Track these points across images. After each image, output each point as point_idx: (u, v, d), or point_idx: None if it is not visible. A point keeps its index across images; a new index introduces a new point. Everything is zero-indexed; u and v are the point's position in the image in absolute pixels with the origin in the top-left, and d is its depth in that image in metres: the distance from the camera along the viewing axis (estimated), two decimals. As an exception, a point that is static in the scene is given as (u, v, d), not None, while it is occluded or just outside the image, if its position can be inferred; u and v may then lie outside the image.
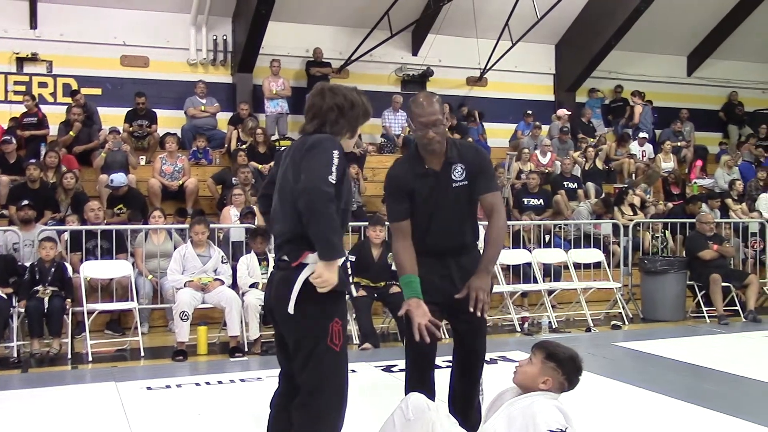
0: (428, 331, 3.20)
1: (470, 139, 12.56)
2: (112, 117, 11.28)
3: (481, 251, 3.54)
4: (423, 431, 2.81)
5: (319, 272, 2.73)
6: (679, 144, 14.07)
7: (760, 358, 6.65)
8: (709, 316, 8.48)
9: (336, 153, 2.77)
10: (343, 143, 2.95)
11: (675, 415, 4.70)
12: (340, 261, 2.78)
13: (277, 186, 2.98)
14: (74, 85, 11.68)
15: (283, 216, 2.88)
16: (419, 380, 3.47)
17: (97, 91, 11.97)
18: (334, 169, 2.73)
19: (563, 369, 3.01)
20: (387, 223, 3.54)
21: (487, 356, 3.71)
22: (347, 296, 3.03)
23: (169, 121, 11.93)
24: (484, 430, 3.00)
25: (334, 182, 2.71)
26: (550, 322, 7.87)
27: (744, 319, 8.47)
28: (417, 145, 3.53)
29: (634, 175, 12.29)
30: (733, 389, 5.41)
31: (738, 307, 8.66)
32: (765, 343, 7.30)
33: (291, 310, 2.80)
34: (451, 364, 3.67)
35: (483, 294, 3.34)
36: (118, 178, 9.07)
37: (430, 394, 3.39)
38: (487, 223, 3.56)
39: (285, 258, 2.88)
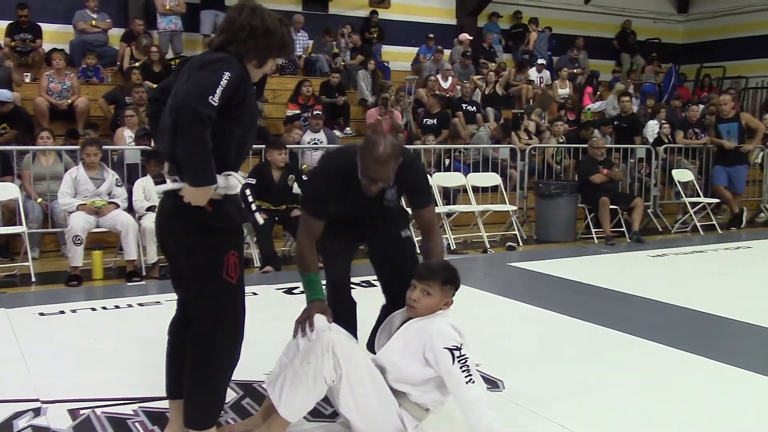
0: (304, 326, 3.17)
1: (372, 62, 12.50)
2: (-8, 30, 10.56)
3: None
4: (323, 350, 2.86)
5: (187, 196, 2.61)
6: (575, 71, 14.42)
7: (642, 276, 7.07)
8: (597, 237, 8.90)
9: (227, 75, 2.56)
10: (249, 71, 2.76)
11: (563, 329, 4.96)
12: (212, 187, 2.61)
13: (168, 102, 2.71)
14: (-53, -5, 10.82)
15: (169, 134, 2.63)
16: (339, 302, 3.56)
17: (-26, 2, 11.13)
18: (219, 90, 2.52)
19: (457, 285, 3.09)
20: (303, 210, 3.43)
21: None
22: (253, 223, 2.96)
23: (55, 36, 11.28)
24: (379, 354, 3.06)
25: (215, 104, 2.51)
26: (448, 244, 8.07)
27: (629, 240, 8.94)
28: (358, 163, 3.25)
29: (531, 101, 12.56)
30: (617, 305, 5.75)
31: (624, 229, 9.12)
32: (647, 262, 7.74)
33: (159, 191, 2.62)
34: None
35: None
36: (4, 94, 8.54)
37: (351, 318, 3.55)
38: (422, 238, 3.58)
39: (172, 180, 2.76)
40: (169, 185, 2.74)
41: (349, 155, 3.35)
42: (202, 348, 2.78)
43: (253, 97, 2.77)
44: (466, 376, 2.84)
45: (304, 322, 3.16)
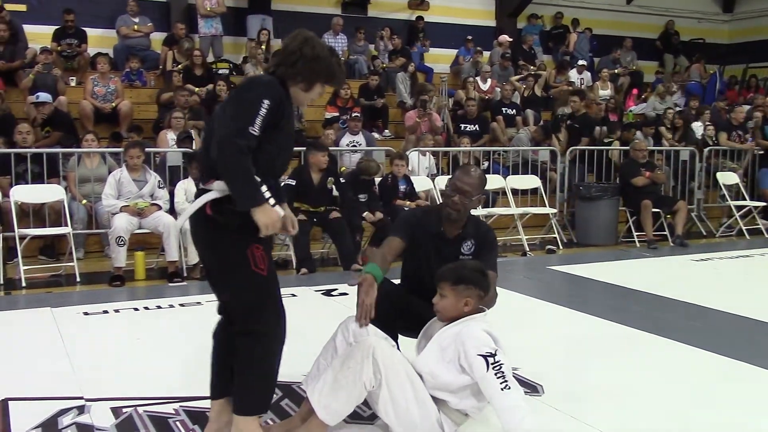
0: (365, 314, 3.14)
1: (412, 65, 12.50)
2: (39, 35, 10.79)
3: None
4: (363, 355, 2.86)
5: (256, 221, 2.72)
6: (616, 72, 14.24)
7: (685, 280, 6.95)
8: (639, 241, 8.77)
9: (267, 103, 2.69)
10: (296, 93, 2.90)
11: (604, 333, 4.90)
12: (271, 201, 2.74)
13: (212, 122, 2.92)
14: (-2, 1, 11.10)
15: (208, 144, 2.81)
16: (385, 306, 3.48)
17: (22, 8, 11.37)
18: (258, 120, 2.67)
19: (474, 283, 3.04)
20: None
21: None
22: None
23: (100, 40, 11.50)
24: (417, 361, 3.05)
25: (256, 134, 2.66)
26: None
27: (672, 244, 8.79)
28: (442, 203, 3.61)
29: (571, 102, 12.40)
30: (659, 310, 5.65)
31: (667, 232, 8.97)
32: (691, 266, 7.61)
33: (177, 224, 2.80)
34: None
35: None
36: (43, 95, 8.72)
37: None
38: None
39: (201, 186, 2.89)
40: (213, 193, 2.81)
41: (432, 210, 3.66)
42: (248, 339, 2.83)
43: (291, 118, 2.90)
44: (501, 383, 2.82)
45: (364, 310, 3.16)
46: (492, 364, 2.83)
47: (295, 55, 2.85)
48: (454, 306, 3.03)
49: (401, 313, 3.49)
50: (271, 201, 2.77)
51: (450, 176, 3.65)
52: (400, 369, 2.92)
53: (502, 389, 2.81)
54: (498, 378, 2.82)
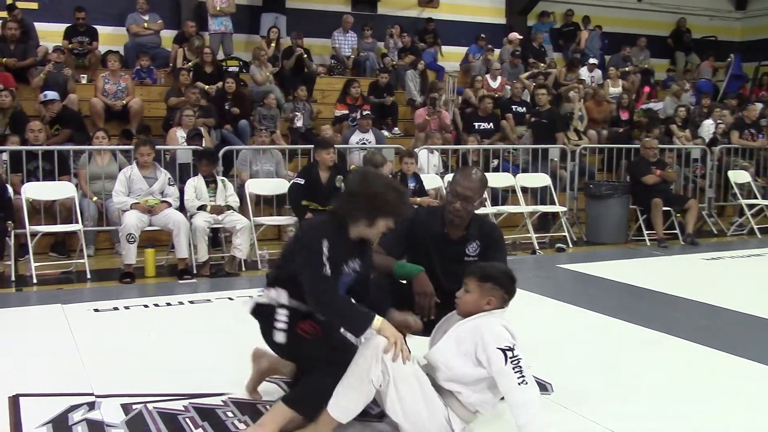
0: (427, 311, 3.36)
1: (422, 63, 12.49)
2: (50, 33, 10.84)
3: None
4: (371, 354, 2.87)
5: (386, 338, 2.90)
6: (627, 69, 14.17)
7: (696, 279, 6.93)
8: (649, 239, 8.74)
9: (325, 242, 2.94)
10: (360, 230, 3.09)
11: (613, 332, 4.89)
12: (378, 320, 2.92)
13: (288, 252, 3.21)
14: (9, -1, 11.14)
15: (285, 265, 3.15)
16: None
17: (34, 5, 11.42)
18: (325, 260, 2.91)
19: (500, 284, 3.05)
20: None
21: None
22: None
23: (110, 38, 11.52)
24: (432, 352, 3.07)
25: (329, 273, 2.92)
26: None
27: (682, 243, 8.75)
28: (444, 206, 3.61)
29: (582, 100, 12.37)
30: (669, 308, 5.63)
31: (677, 231, 8.93)
32: (701, 265, 7.57)
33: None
34: None
35: None
36: (51, 93, 8.75)
37: None
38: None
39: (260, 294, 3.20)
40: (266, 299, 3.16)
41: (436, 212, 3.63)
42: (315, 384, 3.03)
43: (340, 253, 3.03)
44: (518, 377, 2.82)
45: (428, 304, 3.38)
46: (510, 358, 2.84)
47: (352, 196, 3.09)
48: (476, 302, 3.04)
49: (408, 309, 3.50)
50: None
51: (450, 180, 3.62)
52: (407, 368, 2.92)
53: (519, 383, 2.82)
54: (516, 372, 2.82)
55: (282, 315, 3.07)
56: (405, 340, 2.95)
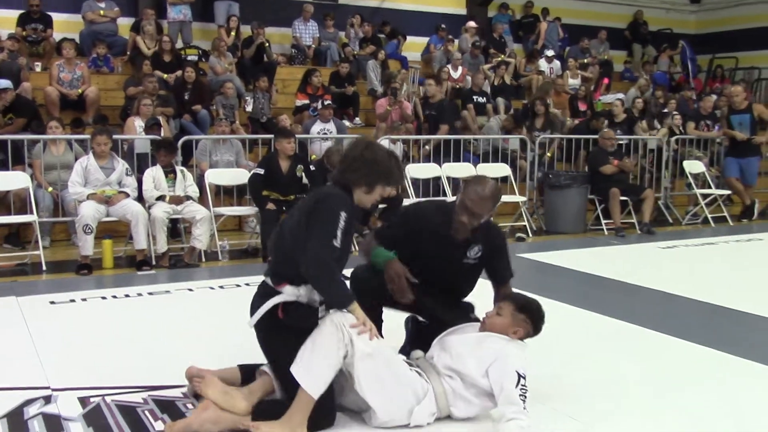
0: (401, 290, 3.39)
1: (382, 53, 12.46)
2: (3, 20, 10.61)
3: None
4: (338, 325, 2.92)
5: (356, 318, 2.98)
6: (585, 61, 14.33)
7: (652, 268, 7.05)
8: (607, 229, 8.87)
9: (343, 215, 2.98)
10: (359, 196, 3.16)
11: (572, 320, 4.95)
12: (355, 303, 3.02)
13: (288, 216, 3.24)
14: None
15: (282, 247, 3.14)
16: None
17: (-15, -8, 11.15)
18: (339, 233, 2.96)
19: (533, 320, 3.24)
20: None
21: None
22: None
23: (66, 25, 11.27)
24: (451, 339, 3.18)
25: (339, 246, 2.96)
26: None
27: (639, 232, 8.90)
28: (455, 207, 3.54)
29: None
30: (627, 296, 5.74)
31: (634, 220, 9.08)
32: (657, 253, 7.71)
33: (251, 323, 3.15)
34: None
35: None
36: (3, 81, 8.53)
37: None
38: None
39: (269, 281, 3.16)
40: (281, 297, 3.12)
41: (446, 210, 3.59)
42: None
43: (353, 223, 3.11)
44: (522, 401, 2.93)
45: (400, 286, 3.39)
46: (521, 384, 2.97)
47: (357, 162, 3.14)
48: (505, 328, 3.21)
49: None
50: (299, 295, 3.08)
51: (462, 190, 3.52)
52: (374, 344, 2.96)
53: (522, 408, 2.91)
54: (521, 398, 2.94)
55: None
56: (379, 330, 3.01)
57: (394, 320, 3.83)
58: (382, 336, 3.45)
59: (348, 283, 3.57)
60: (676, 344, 4.41)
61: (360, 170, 3.13)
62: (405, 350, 3.65)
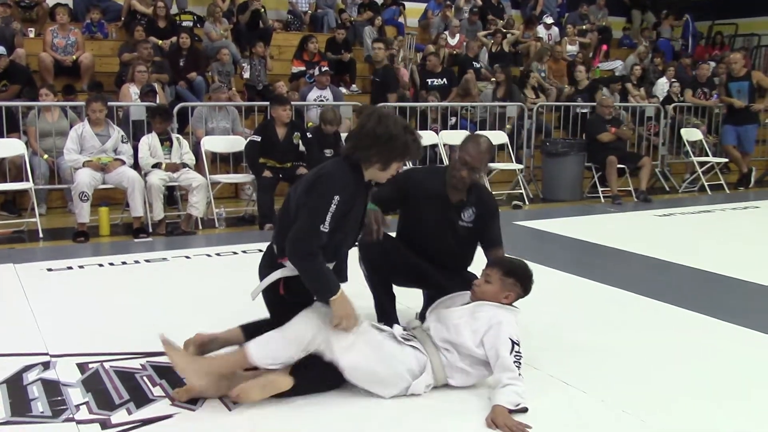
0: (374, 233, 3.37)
1: (379, 19, 12.34)
2: (-5, -16, 10.41)
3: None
4: (317, 323, 2.97)
5: (333, 311, 2.92)
6: (584, 27, 14.21)
7: (649, 235, 7.06)
8: (604, 197, 8.88)
9: (337, 198, 2.85)
10: (373, 173, 3.01)
11: (569, 288, 4.97)
12: (340, 293, 2.93)
13: (294, 187, 3.11)
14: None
15: (285, 219, 3.04)
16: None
17: (-24, -45, 10.96)
18: (329, 217, 2.84)
19: (522, 282, 3.23)
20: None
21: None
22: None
23: (59, -10, 11.12)
24: (445, 312, 3.17)
25: (327, 230, 2.84)
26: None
27: (636, 200, 8.91)
28: (448, 169, 3.60)
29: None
30: (623, 264, 5.76)
31: (631, 188, 9.08)
32: (654, 221, 7.73)
33: (253, 296, 3.13)
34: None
35: None
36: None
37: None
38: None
39: (274, 250, 3.10)
40: (283, 271, 3.07)
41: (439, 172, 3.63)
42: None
43: (361, 206, 3.05)
44: (517, 368, 2.95)
45: (369, 227, 3.34)
46: (516, 351, 2.99)
47: (369, 138, 2.94)
48: (495, 295, 3.19)
49: (394, 258, 3.60)
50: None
51: (459, 147, 3.60)
52: (351, 337, 2.97)
53: (517, 374, 2.94)
54: (515, 363, 2.96)
55: None
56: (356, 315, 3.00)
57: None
58: (397, 321, 3.50)
59: (358, 257, 3.60)
60: (671, 311, 4.43)
61: (373, 147, 2.94)
62: (423, 317, 3.67)
